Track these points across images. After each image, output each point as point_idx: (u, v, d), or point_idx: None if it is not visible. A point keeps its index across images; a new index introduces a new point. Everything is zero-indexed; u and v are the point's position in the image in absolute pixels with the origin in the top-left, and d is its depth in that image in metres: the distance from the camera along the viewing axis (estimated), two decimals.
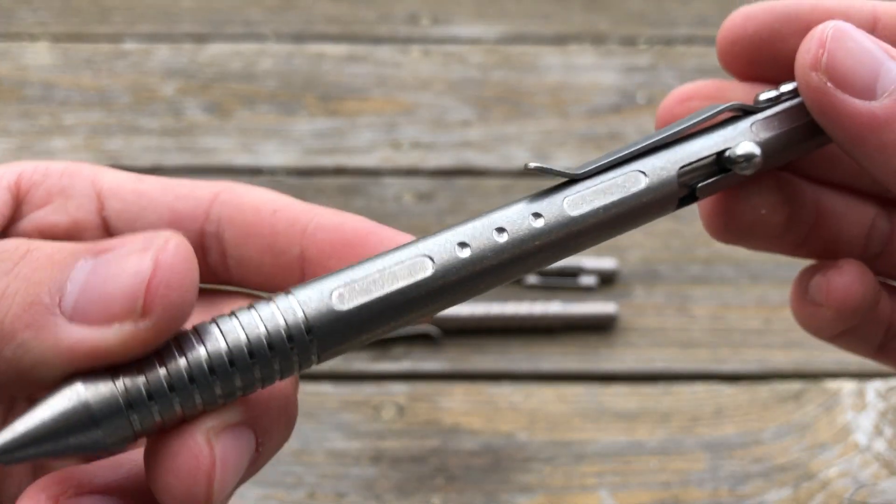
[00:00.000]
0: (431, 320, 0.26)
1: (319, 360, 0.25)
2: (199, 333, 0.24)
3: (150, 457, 0.24)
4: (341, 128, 0.81)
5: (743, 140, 0.29)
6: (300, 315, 0.24)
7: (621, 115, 0.82)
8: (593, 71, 0.86)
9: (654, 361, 0.64)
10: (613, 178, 0.28)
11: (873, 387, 0.62)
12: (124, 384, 0.23)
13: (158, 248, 0.23)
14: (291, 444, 0.59)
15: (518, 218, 0.27)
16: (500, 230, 0.27)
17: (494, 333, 0.65)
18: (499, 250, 0.26)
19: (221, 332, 0.24)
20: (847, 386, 0.62)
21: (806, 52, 0.28)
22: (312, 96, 0.83)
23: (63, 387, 0.22)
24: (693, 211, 0.74)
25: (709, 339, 0.65)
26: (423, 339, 0.64)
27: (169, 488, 0.23)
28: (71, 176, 0.28)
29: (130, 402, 0.23)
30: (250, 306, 0.24)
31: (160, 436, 0.24)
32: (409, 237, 0.28)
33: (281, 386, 0.26)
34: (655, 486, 0.58)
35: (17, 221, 0.28)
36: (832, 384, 0.62)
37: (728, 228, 0.32)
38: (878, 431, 0.59)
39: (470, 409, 0.61)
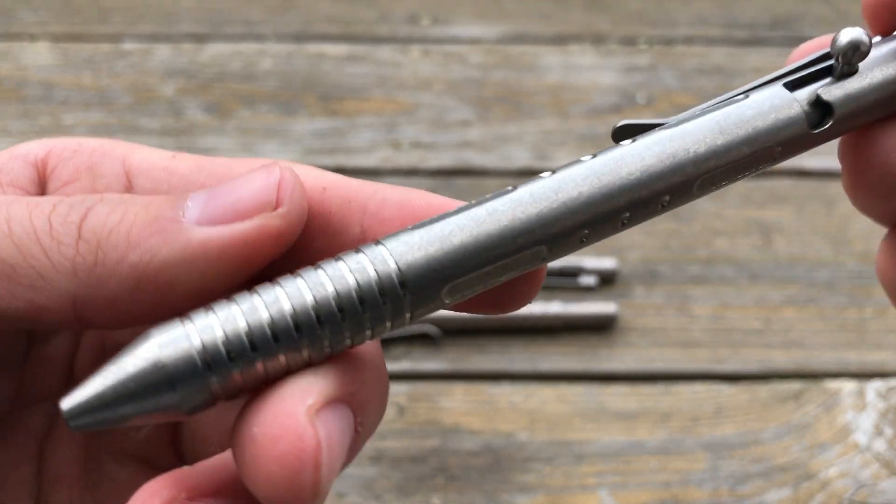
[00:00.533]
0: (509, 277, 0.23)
1: (413, 319, 0.23)
2: (280, 284, 0.22)
3: (242, 443, 0.22)
4: (341, 128, 0.81)
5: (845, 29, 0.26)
6: (392, 266, 0.22)
7: (621, 115, 0.82)
8: (593, 71, 0.86)
9: (654, 361, 0.64)
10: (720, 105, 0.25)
11: (873, 387, 0.62)
12: (201, 341, 0.21)
13: (280, 166, 0.23)
14: None
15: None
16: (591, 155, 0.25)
17: (494, 333, 0.65)
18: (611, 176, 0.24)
19: (306, 282, 0.22)
20: (847, 386, 0.62)
21: None
22: (312, 96, 0.83)
23: (138, 344, 0.21)
24: (693, 211, 0.74)
25: (709, 339, 0.65)
26: (423, 339, 0.64)
27: (271, 479, 0.21)
28: (102, 154, 0.27)
29: (208, 361, 0.21)
30: (337, 258, 0.23)
31: (251, 416, 0.22)
32: None
33: (373, 353, 0.24)
34: (655, 486, 0.58)
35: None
36: (832, 384, 0.62)
37: (874, 181, 0.28)
38: (878, 431, 0.59)
39: (470, 409, 0.61)
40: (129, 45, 0.88)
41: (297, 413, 0.21)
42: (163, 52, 0.87)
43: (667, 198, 0.24)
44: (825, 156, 0.78)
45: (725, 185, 0.25)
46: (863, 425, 0.60)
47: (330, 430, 0.22)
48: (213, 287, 0.23)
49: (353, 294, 0.22)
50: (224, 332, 0.21)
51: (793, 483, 0.57)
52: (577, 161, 0.24)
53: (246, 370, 0.21)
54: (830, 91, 0.26)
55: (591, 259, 0.68)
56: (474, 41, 0.89)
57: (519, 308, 0.26)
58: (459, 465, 0.59)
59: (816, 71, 0.26)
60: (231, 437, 0.22)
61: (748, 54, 0.88)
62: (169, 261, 0.22)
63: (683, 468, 0.58)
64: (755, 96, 0.26)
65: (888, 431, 0.59)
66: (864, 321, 0.66)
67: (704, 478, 0.58)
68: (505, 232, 0.23)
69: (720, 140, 0.25)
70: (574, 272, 0.68)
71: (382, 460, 0.59)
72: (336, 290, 0.22)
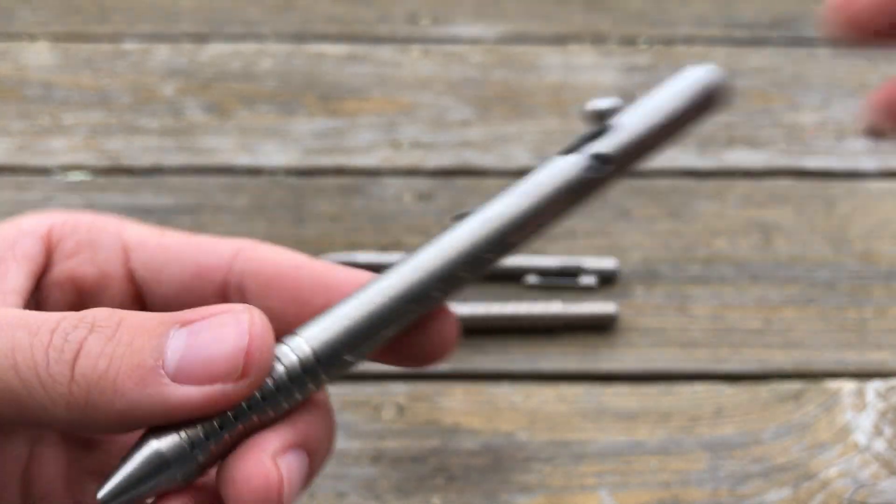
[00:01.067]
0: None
1: (329, 380, 0.32)
2: None
3: (226, 485, 0.28)
4: (341, 128, 0.81)
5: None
6: (307, 350, 0.30)
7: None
8: (593, 71, 0.86)
9: (654, 361, 0.64)
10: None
11: (873, 387, 0.62)
12: (186, 432, 0.28)
13: (250, 321, 0.28)
14: None
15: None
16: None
17: (494, 333, 0.65)
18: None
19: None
20: (847, 386, 0.62)
21: None
22: (312, 96, 0.84)
23: (141, 444, 0.28)
24: (693, 211, 0.74)
25: (709, 339, 0.65)
26: None
27: None
28: (98, 230, 0.32)
29: (192, 444, 0.28)
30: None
31: (231, 466, 0.28)
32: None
33: (320, 401, 0.32)
34: (655, 486, 0.58)
35: (49, 270, 0.32)
36: (832, 384, 0.62)
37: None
38: (877, 431, 0.59)
39: (470, 409, 0.61)
40: (128, 45, 0.88)
41: (263, 459, 0.28)
42: (162, 51, 0.87)
43: (490, 255, 0.34)
44: (825, 156, 0.79)
45: (534, 235, 0.35)
46: (862, 425, 0.60)
47: (290, 468, 0.28)
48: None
49: (284, 375, 0.29)
50: (200, 424, 0.29)
51: (793, 483, 0.57)
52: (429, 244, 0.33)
53: (218, 442, 0.29)
54: (601, 145, 0.36)
55: (591, 259, 0.68)
56: (474, 41, 0.89)
57: (438, 362, 0.33)
58: (459, 465, 0.59)
59: (591, 135, 0.37)
60: (217, 483, 0.29)
61: (748, 54, 0.88)
62: (149, 411, 0.27)
63: (683, 468, 0.58)
64: (543, 169, 0.36)
65: (888, 431, 0.59)
66: (864, 321, 0.66)
67: (704, 478, 0.58)
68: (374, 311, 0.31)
69: (523, 203, 0.35)
70: (574, 272, 0.68)
71: (382, 460, 0.59)
72: (271, 376, 0.29)
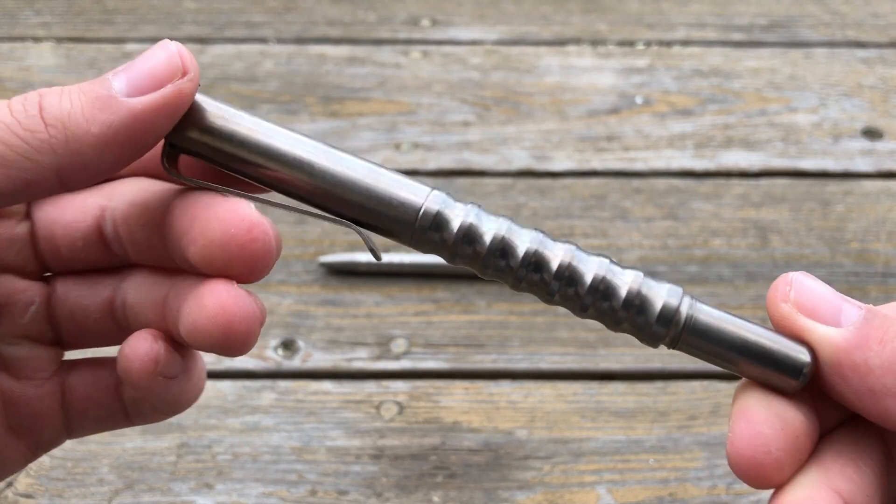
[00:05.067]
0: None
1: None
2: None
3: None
4: (342, 129, 0.81)
5: None
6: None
7: (620, 117, 0.82)
8: (592, 72, 0.87)
9: (652, 360, 0.64)
10: None
11: None
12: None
13: (173, 42, 0.31)
14: (293, 442, 0.60)
15: None
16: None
17: (495, 332, 0.65)
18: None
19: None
20: None
21: (774, 289, 0.32)
22: (314, 98, 0.84)
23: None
24: (691, 211, 0.74)
25: None
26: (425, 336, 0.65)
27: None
28: None
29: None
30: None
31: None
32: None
33: None
34: (653, 484, 0.58)
35: None
36: None
37: None
38: None
39: (469, 408, 0.62)
40: (131, 47, 0.88)
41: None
42: None
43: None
44: (821, 156, 0.79)
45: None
46: None
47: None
48: (148, 142, 0.31)
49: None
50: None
51: None
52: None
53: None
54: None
55: None
56: (474, 43, 0.90)
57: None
58: (459, 463, 0.59)
59: None
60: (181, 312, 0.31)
61: (745, 56, 0.89)
62: (121, 126, 0.30)
63: (681, 466, 0.59)
64: None
65: None
66: None
67: (702, 475, 0.58)
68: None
69: None
70: None
71: (383, 458, 0.59)
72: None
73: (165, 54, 0.31)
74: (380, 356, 0.64)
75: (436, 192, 0.31)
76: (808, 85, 0.86)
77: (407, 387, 0.63)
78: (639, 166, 0.77)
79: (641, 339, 0.33)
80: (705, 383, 0.63)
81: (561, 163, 0.78)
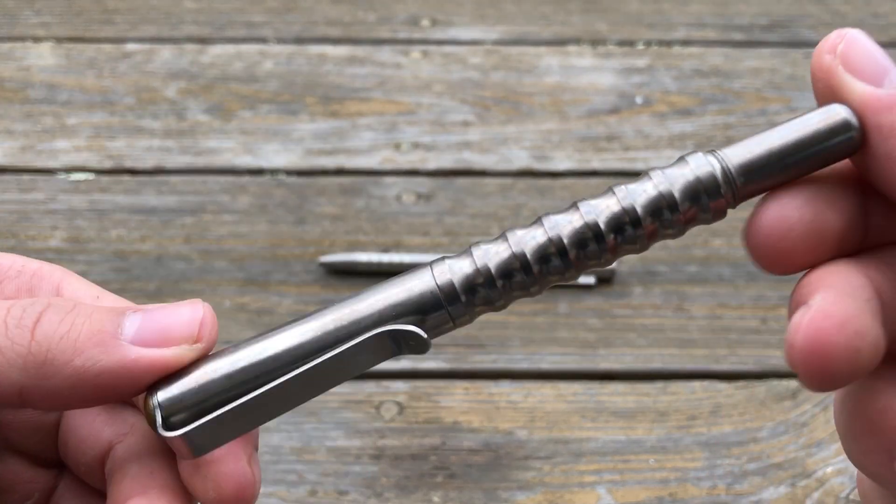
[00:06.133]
0: None
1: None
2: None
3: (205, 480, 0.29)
4: (342, 129, 0.81)
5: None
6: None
7: (619, 117, 0.82)
8: (592, 72, 0.87)
9: (652, 360, 0.64)
10: None
11: None
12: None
13: (203, 305, 0.30)
14: (293, 443, 0.60)
15: None
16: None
17: (495, 332, 0.65)
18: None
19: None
20: None
21: (825, 40, 0.29)
22: (313, 97, 0.84)
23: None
24: None
25: (706, 338, 0.66)
26: None
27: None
28: (40, 278, 0.32)
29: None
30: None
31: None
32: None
33: None
34: (653, 484, 0.58)
35: None
36: None
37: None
38: None
39: (470, 408, 0.62)
40: (131, 47, 0.88)
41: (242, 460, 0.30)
42: (165, 53, 0.88)
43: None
44: None
45: None
46: None
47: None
48: (129, 391, 0.29)
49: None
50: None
51: (790, 481, 0.58)
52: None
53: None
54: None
55: None
56: (474, 43, 0.90)
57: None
58: (459, 463, 0.59)
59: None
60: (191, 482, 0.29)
61: (745, 56, 0.88)
62: (105, 369, 0.28)
63: (681, 466, 0.59)
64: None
65: None
66: None
67: (702, 475, 0.58)
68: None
69: None
70: None
71: (383, 458, 0.59)
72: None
73: (189, 316, 0.29)
74: None
75: (433, 263, 0.30)
76: (808, 85, 0.85)
77: (407, 387, 0.63)
78: (639, 166, 0.77)
79: (708, 223, 0.31)
80: (705, 383, 0.63)
81: (561, 163, 0.78)
